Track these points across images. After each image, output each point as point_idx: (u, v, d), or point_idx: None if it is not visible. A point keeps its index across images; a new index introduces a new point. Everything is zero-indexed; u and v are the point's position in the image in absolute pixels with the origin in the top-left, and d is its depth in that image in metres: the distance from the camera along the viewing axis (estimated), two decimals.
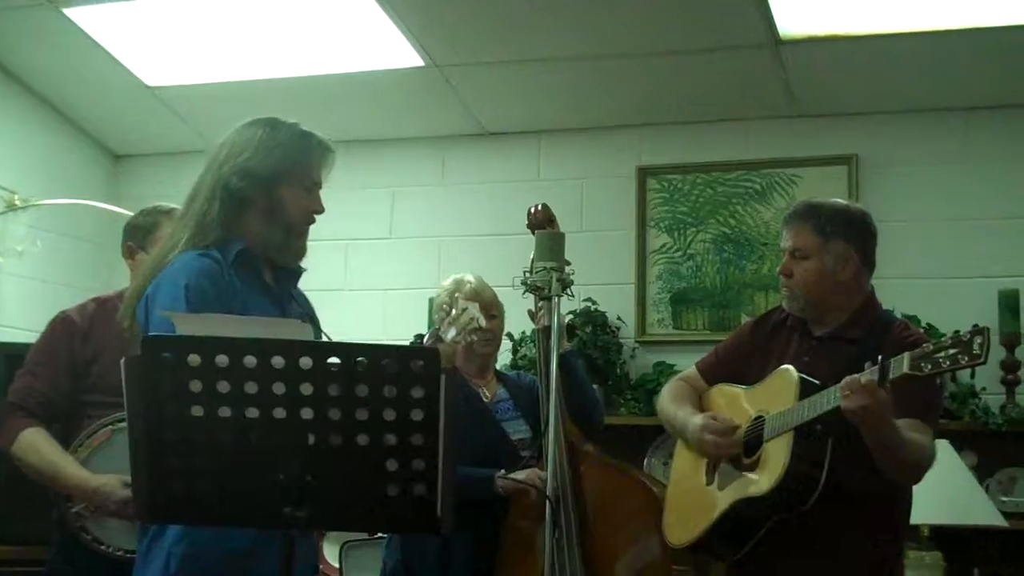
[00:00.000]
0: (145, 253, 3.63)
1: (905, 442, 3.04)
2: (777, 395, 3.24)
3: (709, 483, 3.37)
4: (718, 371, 3.61)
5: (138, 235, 3.79)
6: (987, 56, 5.03)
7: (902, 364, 2.89)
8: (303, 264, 3.12)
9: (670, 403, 3.59)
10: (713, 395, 3.57)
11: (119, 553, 3.42)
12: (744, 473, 3.25)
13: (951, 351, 2.85)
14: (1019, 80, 5.20)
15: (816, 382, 3.14)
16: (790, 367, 3.24)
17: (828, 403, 3.01)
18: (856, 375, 2.93)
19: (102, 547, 3.46)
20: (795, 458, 3.08)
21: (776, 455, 3.14)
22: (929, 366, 2.86)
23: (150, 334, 2.29)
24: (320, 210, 3.09)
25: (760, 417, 3.26)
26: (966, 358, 2.83)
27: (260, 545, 2.64)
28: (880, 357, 2.92)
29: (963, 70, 5.17)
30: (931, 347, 2.89)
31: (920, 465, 3.16)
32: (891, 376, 2.91)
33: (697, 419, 3.40)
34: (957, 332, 2.89)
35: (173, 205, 3.73)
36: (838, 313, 3.37)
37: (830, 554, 3.19)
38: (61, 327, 3.70)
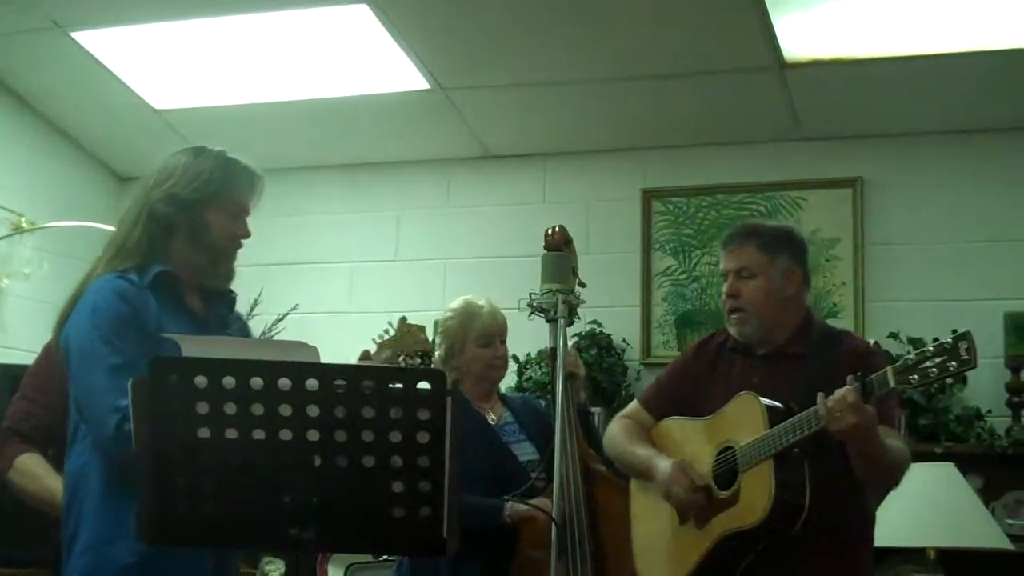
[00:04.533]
0: None
1: (887, 449, 3.10)
2: (743, 424, 3.23)
3: (684, 522, 3.35)
4: (663, 403, 3.58)
5: None
6: (993, 79, 5.04)
7: (887, 379, 2.92)
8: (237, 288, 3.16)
9: (627, 443, 3.55)
10: (663, 431, 3.54)
11: None
12: (725, 507, 3.23)
13: (938, 359, 2.88)
14: None
15: (780, 405, 3.16)
16: (752, 394, 3.24)
17: (811, 425, 3.03)
18: (839, 394, 2.95)
19: None
20: (779, 484, 3.09)
21: (759, 483, 3.14)
22: (916, 377, 2.90)
23: (158, 356, 2.29)
24: (246, 235, 3.13)
25: (729, 448, 3.26)
26: (955, 364, 2.87)
27: (148, 559, 2.69)
28: (860, 374, 2.96)
29: (968, 93, 5.18)
30: (913, 359, 2.92)
31: (901, 468, 3.21)
32: (877, 392, 2.96)
33: (665, 465, 3.36)
34: (937, 340, 2.92)
35: None
36: (783, 330, 3.40)
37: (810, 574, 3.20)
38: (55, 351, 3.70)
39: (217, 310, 3.11)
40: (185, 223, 3.01)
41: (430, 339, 3.46)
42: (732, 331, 3.44)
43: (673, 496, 3.32)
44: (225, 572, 2.99)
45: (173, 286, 2.99)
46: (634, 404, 3.69)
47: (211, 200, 3.04)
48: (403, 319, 3.66)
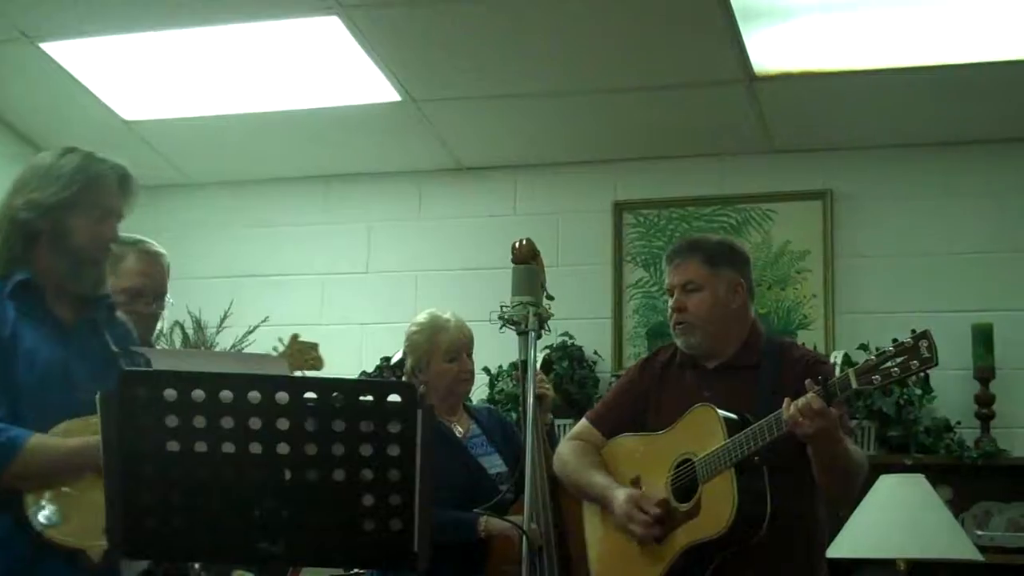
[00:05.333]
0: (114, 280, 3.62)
1: (848, 451, 3.17)
2: (701, 436, 3.25)
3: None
4: (612, 421, 3.60)
5: None
6: (962, 92, 5.08)
7: (850, 381, 2.97)
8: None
9: (580, 469, 3.55)
10: (615, 447, 3.54)
11: None
12: (685, 520, 3.25)
13: (899, 359, 2.93)
14: (994, 116, 5.25)
15: (735, 417, 3.19)
16: (709, 405, 3.26)
17: (772, 432, 3.06)
18: (804, 400, 2.99)
19: None
20: (742, 493, 3.12)
21: (720, 494, 3.16)
22: (878, 377, 2.95)
23: (127, 368, 2.28)
24: (114, 238, 3.08)
25: (687, 461, 3.27)
26: (917, 363, 2.91)
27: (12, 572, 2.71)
28: (822, 379, 3.01)
29: (938, 106, 5.22)
30: (874, 359, 2.96)
31: (862, 470, 3.27)
32: (839, 396, 3.01)
33: (620, 495, 3.36)
34: (896, 340, 2.95)
35: (140, 237, 3.73)
36: (731, 342, 3.43)
37: None
38: None
39: (88, 316, 3.07)
40: (48, 229, 2.97)
41: (322, 359, 3.44)
42: (678, 342, 3.48)
43: (630, 530, 3.33)
44: None
45: (37, 294, 2.95)
46: (583, 423, 3.70)
47: (73, 204, 2.99)
48: (295, 336, 3.63)
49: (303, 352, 3.47)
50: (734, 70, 5.03)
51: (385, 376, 3.58)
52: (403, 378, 3.65)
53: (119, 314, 3.20)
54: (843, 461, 3.14)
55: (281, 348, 3.70)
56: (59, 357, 2.98)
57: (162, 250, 3.76)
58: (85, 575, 2.90)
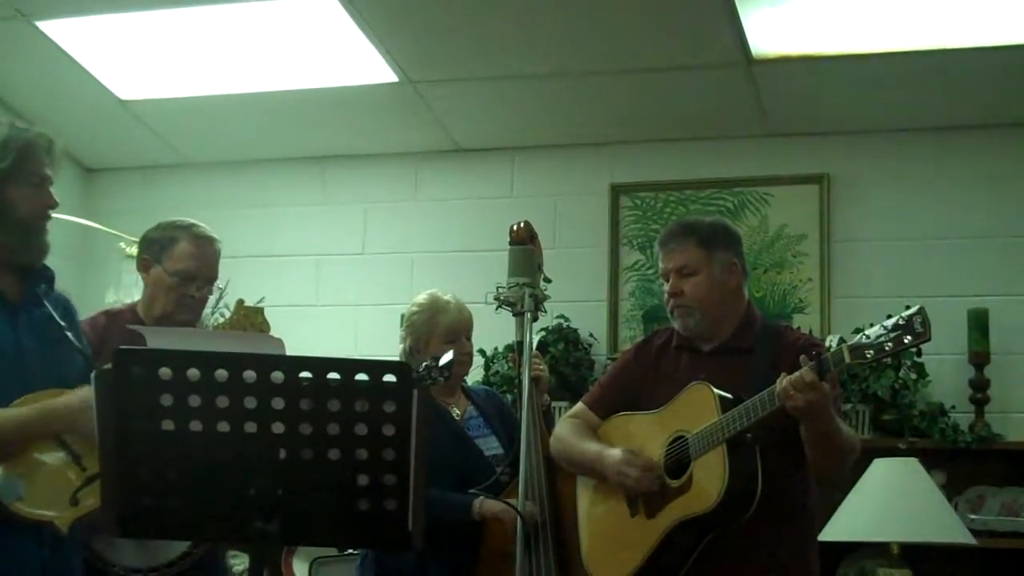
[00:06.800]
0: (161, 267, 3.63)
1: (840, 430, 3.18)
2: (695, 413, 3.27)
3: (635, 513, 3.38)
4: (608, 402, 3.61)
5: (154, 249, 3.70)
6: (959, 77, 5.07)
7: (843, 355, 2.98)
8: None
9: (574, 440, 3.57)
10: (611, 425, 3.56)
11: (122, 572, 3.30)
12: (676, 496, 3.26)
13: (893, 334, 2.93)
14: (990, 101, 5.25)
15: (730, 396, 3.21)
16: (704, 383, 3.28)
17: (764, 408, 3.06)
18: (797, 374, 3.01)
19: (107, 565, 3.31)
20: (733, 469, 3.13)
21: (711, 470, 3.18)
22: (872, 352, 2.96)
23: (122, 347, 2.27)
24: (53, 204, 3.08)
25: (680, 437, 3.28)
26: (911, 338, 2.92)
27: None
28: (816, 353, 3.05)
29: (935, 91, 5.21)
30: (867, 334, 2.96)
31: (853, 449, 3.28)
32: (833, 370, 3.03)
33: (615, 453, 3.39)
34: (890, 316, 2.96)
35: (193, 221, 3.72)
36: (728, 322, 3.44)
37: (757, 563, 3.25)
38: None
39: (32, 289, 3.07)
40: None
41: (268, 323, 3.43)
42: (676, 325, 3.48)
43: (626, 479, 3.34)
44: (58, 566, 2.96)
45: None
46: (579, 405, 3.72)
47: (10, 175, 2.99)
48: (240, 301, 3.62)
49: (249, 318, 3.46)
50: (732, 53, 5.02)
51: (434, 376, 3.60)
52: (443, 377, 3.66)
53: (58, 288, 3.19)
54: (835, 440, 3.15)
55: (228, 314, 3.69)
56: (9, 333, 2.99)
57: (215, 235, 3.75)
58: (51, 547, 2.91)
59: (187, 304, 3.62)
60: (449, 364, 3.66)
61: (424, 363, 3.70)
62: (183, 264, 3.63)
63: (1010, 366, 5.20)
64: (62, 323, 3.10)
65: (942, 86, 5.16)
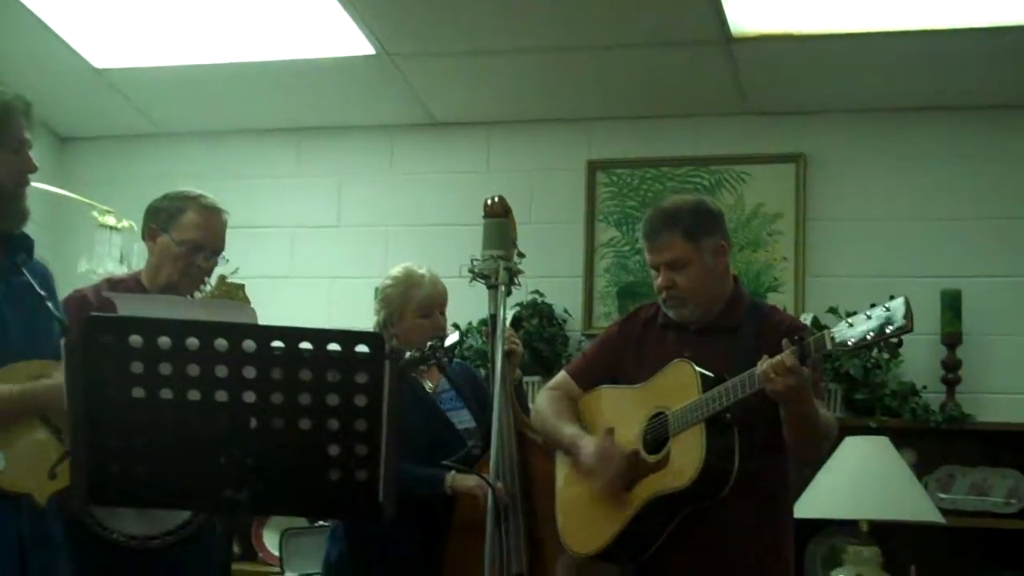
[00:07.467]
0: (168, 237, 3.61)
1: (819, 414, 3.18)
2: (676, 390, 3.26)
3: None
4: (591, 373, 3.60)
5: (161, 218, 3.67)
6: (937, 58, 5.08)
7: (825, 342, 2.99)
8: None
9: (552, 418, 3.56)
10: (593, 398, 3.56)
11: (122, 539, 3.28)
12: (653, 471, 3.27)
13: (875, 323, 2.93)
14: (967, 83, 5.26)
15: (712, 375, 3.21)
16: (687, 360, 3.28)
17: (745, 389, 3.08)
18: (779, 357, 3.01)
19: (106, 532, 3.29)
20: (709, 449, 3.14)
21: (689, 447, 3.18)
22: (853, 339, 2.94)
23: (92, 314, 2.26)
24: (32, 169, 3.05)
25: (660, 414, 3.29)
26: (892, 328, 2.91)
27: None
28: (798, 338, 3.03)
29: (913, 72, 5.22)
30: (849, 322, 2.96)
31: (831, 433, 3.29)
32: (814, 355, 3.03)
33: (588, 447, 3.38)
34: (874, 305, 2.96)
35: (200, 191, 3.71)
36: (719, 301, 3.44)
37: (732, 542, 3.25)
38: (76, 307, 3.60)
39: (11, 258, 3.05)
40: None
41: (249, 300, 3.42)
42: (670, 314, 3.46)
43: (594, 485, 3.35)
44: (38, 537, 2.96)
45: None
46: (562, 375, 3.70)
47: None
48: (222, 277, 3.61)
49: (229, 293, 3.46)
50: (711, 31, 5.02)
51: (438, 357, 3.58)
52: (452, 357, 3.65)
53: (36, 256, 3.17)
54: (813, 423, 3.16)
55: (209, 289, 3.69)
56: None
57: (222, 206, 3.73)
58: (29, 519, 2.90)
59: (192, 274, 3.62)
60: (454, 346, 3.66)
61: (430, 343, 3.70)
62: (191, 234, 3.62)
63: (982, 347, 5.23)
64: (41, 292, 3.08)
65: (920, 67, 5.17)
